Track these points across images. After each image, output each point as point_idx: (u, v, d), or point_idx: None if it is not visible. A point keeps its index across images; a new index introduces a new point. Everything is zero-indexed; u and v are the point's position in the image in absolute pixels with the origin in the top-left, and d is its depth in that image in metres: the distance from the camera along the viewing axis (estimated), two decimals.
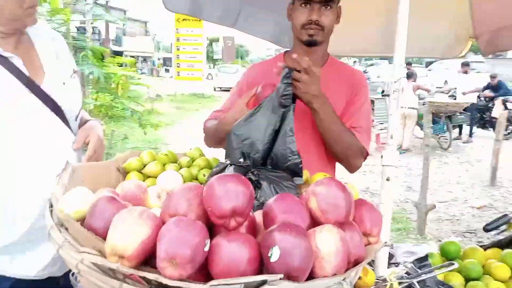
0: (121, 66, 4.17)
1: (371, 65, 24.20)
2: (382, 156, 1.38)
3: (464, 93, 10.55)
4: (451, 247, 1.70)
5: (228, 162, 1.31)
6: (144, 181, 1.47)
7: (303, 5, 1.54)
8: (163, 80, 20.98)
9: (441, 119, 9.27)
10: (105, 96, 3.99)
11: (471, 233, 5.12)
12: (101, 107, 3.89)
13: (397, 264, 2.09)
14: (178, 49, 18.32)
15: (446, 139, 9.40)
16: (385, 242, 1.08)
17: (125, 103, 4.20)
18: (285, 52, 1.70)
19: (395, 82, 1.29)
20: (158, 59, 35.55)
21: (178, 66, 18.42)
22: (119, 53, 24.80)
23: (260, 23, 2.37)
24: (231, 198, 0.80)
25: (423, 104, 9.27)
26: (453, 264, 1.33)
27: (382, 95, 10.99)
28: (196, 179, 1.54)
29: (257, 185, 1.24)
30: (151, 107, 11.96)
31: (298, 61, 1.35)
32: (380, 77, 15.88)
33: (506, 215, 1.59)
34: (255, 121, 1.39)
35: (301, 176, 1.41)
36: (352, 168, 1.61)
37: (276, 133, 1.38)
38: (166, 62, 31.74)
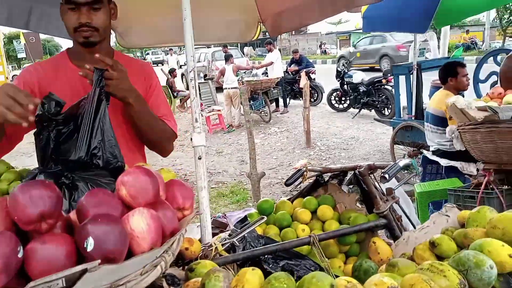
0: None
1: None
2: (191, 139, 1.53)
3: (256, 68, 11.74)
4: (265, 204, 2.00)
5: (37, 170, 1.28)
6: None
7: (70, 9, 1.48)
8: None
9: (259, 96, 10.17)
10: None
11: (297, 191, 5.86)
12: None
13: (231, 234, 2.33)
14: None
15: (267, 113, 10.37)
16: (197, 211, 1.23)
17: None
18: (67, 49, 1.65)
19: (190, 71, 1.43)
20: None
21: None
22: None
23: (56, 21, 2.26)
24: (37, 204, 0.84)
25: (242, 84, 9.99)
26: (263, 218, 1.58)
27: (205, 79, 11.46)
28: (8, 194, 1.46)
29: (72, 187, 1.26)
30: None
31: (102, 60, 1.40)
32: (200, 62, 16.37)
33: (299, 170, 1.94)
34: (71, 127, 1.39)
35: None
36: (166, 152, 1.74)
37: (92, 134, 1.40)
38: None
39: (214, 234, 1.74)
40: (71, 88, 1.52)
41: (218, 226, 2.33)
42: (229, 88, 10.15)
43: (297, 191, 2.05)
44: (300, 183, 1.92)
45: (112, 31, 2.77)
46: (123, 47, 2.83)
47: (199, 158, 1.54)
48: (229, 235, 1.59)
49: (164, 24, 2.54)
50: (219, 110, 10.26)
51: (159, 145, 1.70)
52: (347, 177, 1.91)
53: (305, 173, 1.89)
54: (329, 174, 1.97)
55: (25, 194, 0.84)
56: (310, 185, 2.03)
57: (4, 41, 16.69)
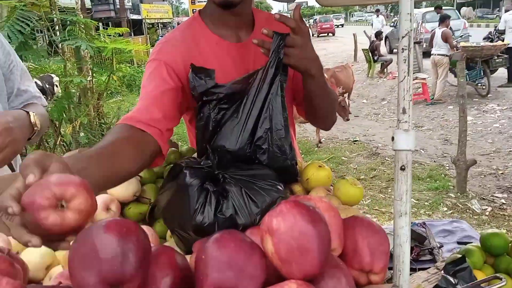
0: (110, 36, 3.80)
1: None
2: (393, 138, 1.02)
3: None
4: (495, 240, 1.34)
5: (183, 164, 0.99)
6: None
7: None
8: None
9: (477, 65, 8.51)
10: (101, 72, 3.70)
11: None
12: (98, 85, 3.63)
13: (430, 250, 1.74)
14: (193, 12, 17.71)
15: (484, 86, 8.66)
16: (394, 286, 0.74)
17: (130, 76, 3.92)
18: (200, 12, 1.28)
19: (403, 37, 0.91)
20: (178, 24, 34.76)
21: None
22: (138, 22, 24.39)
23: None
24: (92, 266, 0.49)
25: (457, 49, 8.51)
26: (502, 280, 0.98)
27: None
28: (163, 177, 1.25)
29: (221, 194, 0.93)
30: None
31: (283, 21, 1.00)
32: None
33: None
34: (235, 107, 1.08)
35: (295, 180, 1.12)
36: (331, 125, 1.35)
37: (258, 120, 1.06)
38: None
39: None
40: (219, 63, 1.16)
41: (414, 238, 1.78)
42: (435, 55, 8.79)
43: None
44: None
45: None
46: (322, 5, 2.40)
47: (402, 169, 1.02)
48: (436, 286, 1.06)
49: None
50: (423, 79, 9.06)
51: (329, 118, 1.32)
52: None
53: None
54: None
55: (84, 244, 0.50)
56: None
57: None
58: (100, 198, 1.07)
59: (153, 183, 1.21)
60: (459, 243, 1.85)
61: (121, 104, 5.34)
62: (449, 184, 4.87)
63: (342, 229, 0.67)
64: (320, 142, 6.68)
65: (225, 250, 0.56)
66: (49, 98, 4.32)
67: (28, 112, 1.20)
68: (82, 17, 3.69)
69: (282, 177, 1.07)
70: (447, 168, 5.35)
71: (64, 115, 3.66)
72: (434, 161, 5.70)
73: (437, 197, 4.59)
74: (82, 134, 3.87)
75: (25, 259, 0.79)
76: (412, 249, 1.68)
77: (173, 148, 1.32)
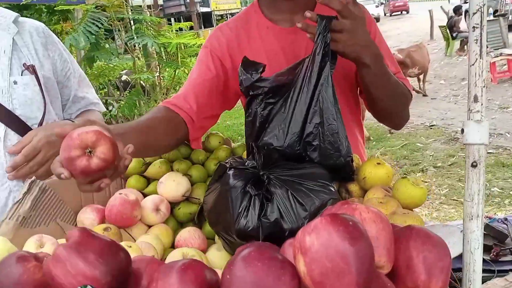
0: (180, 30, 3.85)
1: None
2: (462, 131, 0.90)
3: None
4: None
5: (228, 164, 0.95)
6: (146, 187, 1.19)
7: None
8: None
9: None
10: (168, 67, 3.80)
11: None
12: (166, 80, 3.75)
13: None
14: None
15: None
16: None
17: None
18: None
19: (474, 13, 0.79)
20: None
21: None
22: (208, 14, 24.95)
23: None
24: None
25: None
26: None
27: (494, 16, 9.40)
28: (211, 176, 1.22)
29: (265, 197, 0.88)
30: None
31: (326, 4, 0.92)
32: None
33: None
34: (282, 101, 1.02)
35: (351, 179, 1.04)
36: (401, 124, 1.23)
37: (307, 114, 0.99)
38: None
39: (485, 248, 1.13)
40: (265, 49, 1.13)
41: (494, 236, 1.61)
42: None
43: None
44: None
45: None
46: None
47: (473, 166, 0.90)
48: None
49: None
50: (509, 55, 8.25)
51: (396, 115, 1.18)
52: None
53: None
54: None
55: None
56: None
57: None
58: (150, 199, 1.07)
59: (204, 182, 1.19)
60: None
61: None
62: None
63: (392, 242, 0.58)
64: None
65: (251, 269, 0.50)
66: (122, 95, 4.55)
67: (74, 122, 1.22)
68: (148, 14, 3.81)
69: (337, 176, 0.99)
70: None
71: (135, 111, 3.82)
72: None
73: None
74: None
75: None
76: (491, 248, 1.52)
77: (225, 146, 1.28)
